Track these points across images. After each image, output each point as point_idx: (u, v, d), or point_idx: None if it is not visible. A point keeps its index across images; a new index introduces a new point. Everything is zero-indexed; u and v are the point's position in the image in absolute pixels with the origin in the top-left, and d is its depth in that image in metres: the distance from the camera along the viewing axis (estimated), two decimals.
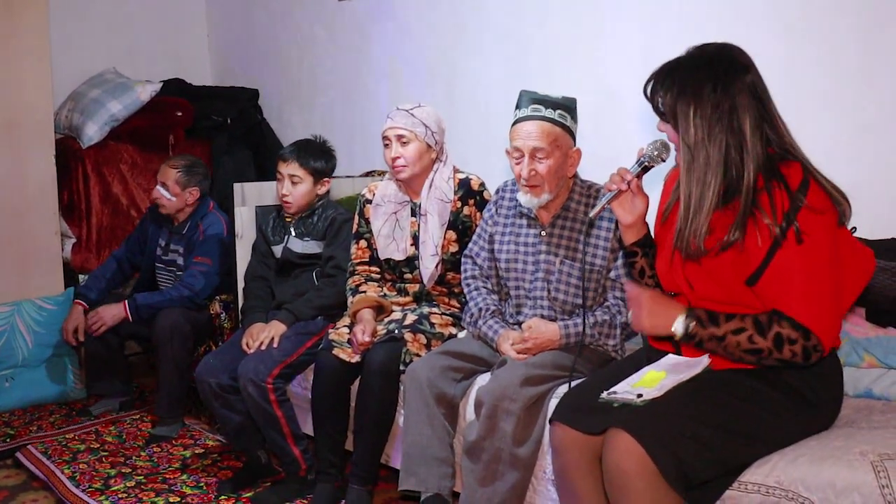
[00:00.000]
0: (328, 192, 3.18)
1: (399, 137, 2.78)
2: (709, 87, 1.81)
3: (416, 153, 2.79)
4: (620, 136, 3.08)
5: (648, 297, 1.90)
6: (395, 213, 2.88)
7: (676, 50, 1.95)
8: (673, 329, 1.85)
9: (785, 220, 1.76)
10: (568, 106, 2.46)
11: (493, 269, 2.68)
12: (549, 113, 2.42)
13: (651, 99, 1.92)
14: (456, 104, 3.73)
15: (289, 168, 3.07)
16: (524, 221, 2.60)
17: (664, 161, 1.98)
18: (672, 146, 1.93)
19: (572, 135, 2.47)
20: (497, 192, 2.72)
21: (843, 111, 2.60)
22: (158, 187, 3.62)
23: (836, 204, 1.82)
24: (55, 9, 4.25)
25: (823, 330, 1.78)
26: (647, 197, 2.01)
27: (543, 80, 3.31)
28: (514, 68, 3.52)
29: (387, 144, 2.81)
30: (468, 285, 2.71)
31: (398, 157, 2.78)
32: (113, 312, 3.52)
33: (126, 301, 3.53)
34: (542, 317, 2.52)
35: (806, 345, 1.77)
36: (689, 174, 1.84)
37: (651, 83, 1.91)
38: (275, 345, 2.88)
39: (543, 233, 2.55)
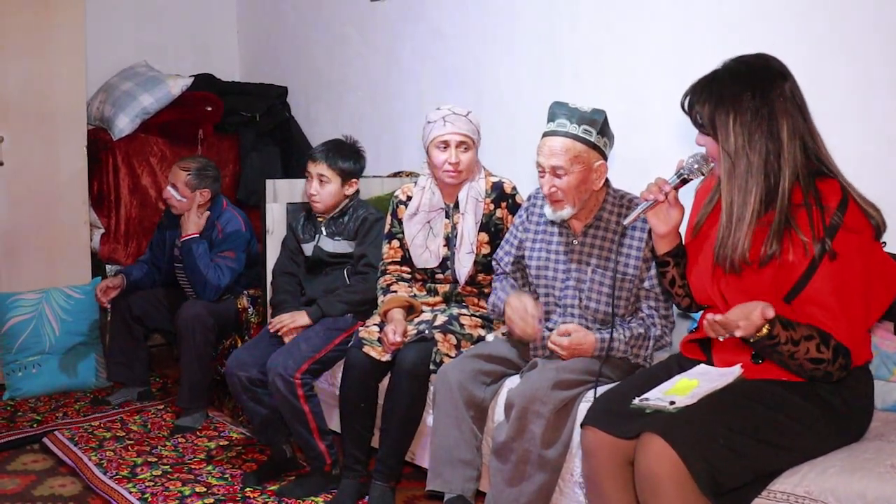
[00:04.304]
0: (357, 192, 3.22)
1: (461, 143, 2.82)
2: (748, 94, 1.83)
3: (473, 159, 2.86)
4: (650, 144, 3.10)
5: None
6: (429, 221, 2.92)
7: (707, 59, 1.96)
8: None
9: (823, 239, 1.78)
10: (594, 119, 2.44)
11: (517, 272, 2.70)
12: (573, 129, 2.42)
13: (689, 112, 1.93)
14: (484, 108, 3.72)
15: (318, 168, 3.10)
16: (556, 229, 2.61)
17: (703, 175, 1.99)
18: (711, 160, 1.95)
19: (598, 149, 2.45)
20: (529, 198, 2.74)
21: (872, 124, 2.59)
22: (169, 188, 3.65)
23: (872, 222, 1.84)
24: (89, 2, 4.30)
25: (855, 349, 1.83)
26: (682, 208, 2.03)
27: (573, 87, 3.34)
28: (543, 73, 3.53)
29: (443, 148, 2.82)
30: (496, 280, 2.75)
31: (458, 163, 2.81)
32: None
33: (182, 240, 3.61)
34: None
35: (847, 362, 1.81)
36: (729, 182, 1.85)
37: (688, 96, 1.92)
38: (293, 336, 2.96)
39: (575, 241, 2.56)
